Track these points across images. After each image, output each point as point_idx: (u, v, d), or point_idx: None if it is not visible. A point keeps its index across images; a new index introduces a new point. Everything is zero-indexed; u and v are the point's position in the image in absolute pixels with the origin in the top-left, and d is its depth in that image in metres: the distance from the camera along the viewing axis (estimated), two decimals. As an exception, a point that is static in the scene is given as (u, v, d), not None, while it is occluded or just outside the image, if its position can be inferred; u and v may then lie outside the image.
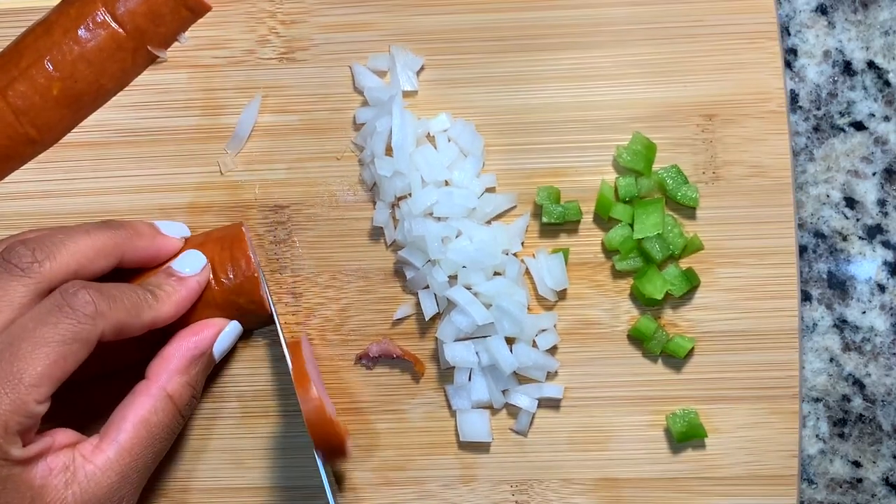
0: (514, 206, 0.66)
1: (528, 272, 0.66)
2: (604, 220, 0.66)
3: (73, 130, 0.67)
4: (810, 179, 0.67)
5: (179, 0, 0.66)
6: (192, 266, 0.62)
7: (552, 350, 0.66)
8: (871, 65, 0.67)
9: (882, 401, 0.67)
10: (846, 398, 0.67)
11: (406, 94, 0.66)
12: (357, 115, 0.67)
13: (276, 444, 0.66)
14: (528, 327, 0.64)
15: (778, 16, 0.66)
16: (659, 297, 0.64)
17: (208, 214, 0.67)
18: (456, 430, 0.66)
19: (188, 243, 0.64)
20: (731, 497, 0.65)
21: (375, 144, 0.65)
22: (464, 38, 0.67)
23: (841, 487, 0.67)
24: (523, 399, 0.65)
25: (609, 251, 0.66)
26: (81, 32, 0.65)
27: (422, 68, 0.67)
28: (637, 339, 0.66)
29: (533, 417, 0.66)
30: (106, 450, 0.57)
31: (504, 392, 0.66)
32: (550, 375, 0.66)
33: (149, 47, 0.66)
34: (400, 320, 0.67)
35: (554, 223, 0.66)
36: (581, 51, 0.66)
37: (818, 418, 0.67)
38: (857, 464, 0.67)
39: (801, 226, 0.67)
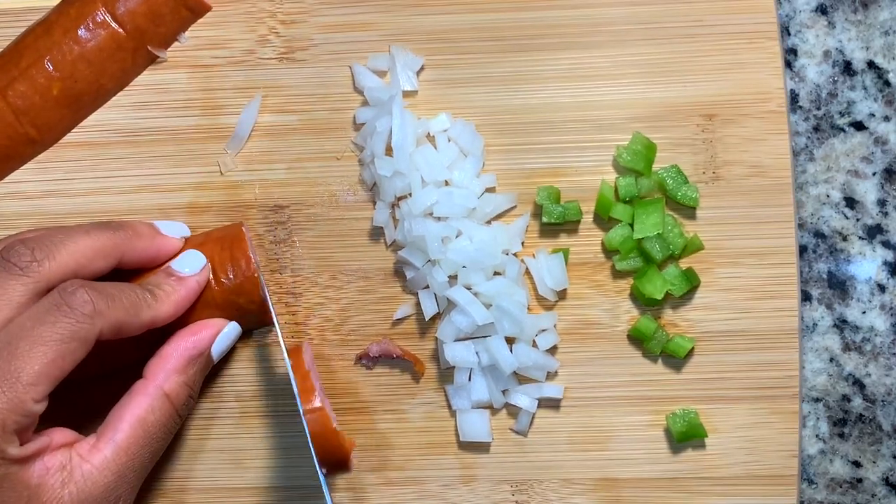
0: (514, 206, 0.66)
1: (528, 272, 0.66)
2: (604, 220, 0.66)
3: (73, 130, 0.67)
4: (810, 179, 0.67)
5: (179, 0, 0.66)
6: (191, 266, 0.62)
7: (552, 350, 0.66)
8: (871, 65, 0.67)
9: (882, 401, 0.67)
10: (846, 398, 0.67)
11: (406, 94, 0.66)
12: (357, 115, 0.67)
13: (275, 444, 0.66)
14: (528, 327, 0.64)
15: (778, 16, 0.66)
16: (659, 297, 0.64)
17: (208, 214, 0.67)
18: (456, 430, 0.66)
19: (188, 243, 0.64)
20: (731, 497, 0.65)
21: (375, 144, 0.65)
22: (463, 38, 0.67)
23: (841, 487, 0.67)
24: (523, 399, 0.65)
25: (609, 251, 0.66)
26: (81, 32, 0.65)
27: (422, 68, 0.67)
28: (637, 339, 0.66)
29: (533, 417, 0.66)
30: (103, 449, 0.57)
31: (504, 392, 0.65)
32: (550, 375, 0.66)
33: (149, 47, 0.66)
34: (400, 320, 0.67)
35: (554, 223, 0.66)
36: (580, 51, 0.66)
37: (818, 418, 0.67)
38: (857, 464, 0.67)
39: (801, 226, 0.67)
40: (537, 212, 0.66)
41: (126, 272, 0.62)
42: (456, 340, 0.65)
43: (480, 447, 0.66)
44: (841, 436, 0.67)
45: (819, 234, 0.67)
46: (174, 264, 0.62)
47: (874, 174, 0.67)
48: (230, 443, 0.67)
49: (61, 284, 0.56)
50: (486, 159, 0.66)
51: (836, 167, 0.67)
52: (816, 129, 0.68)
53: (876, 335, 0.67)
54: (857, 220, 0.67)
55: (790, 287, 0.65)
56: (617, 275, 0.66)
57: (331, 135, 0.67)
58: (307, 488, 0.66)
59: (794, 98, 0.68)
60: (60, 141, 0.67)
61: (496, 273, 0.65)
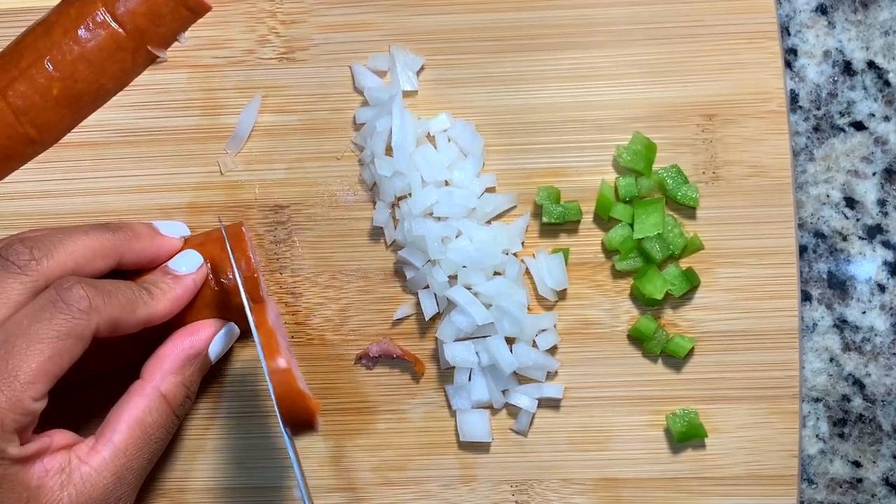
0: (514, 206, 0.66)
1: (528, 272, 0.66)
2: (604, 220, 0.66)
3: (73, 130, 0.67)
4: (810, 179, 0.67)
5: (179, 0, 0.66)
6: (188, 265, 0.62)
7: (552, 350, 0.66)
8: (871, 65, 0.67)
9: (882, 401, 0.67)
10: (846, 398, 0.67)
11: (406, 94, 0.66)
12: (357, 115, 0.67)
13: (274, 444, 0.66)
14: (528, 327, 0.64)
15: (778, 16, 0.66)
16: (659, 297, 0.64)
17: (208, 214, 0.67)
18: (456, 430, 0.66)
19: (188, 243, 0.64)
20: (731, 497, 0.65)
21: (375, 144, 0.65)
22: (463, 38, 0.67)
23: (841, 487, 0.67)
24: (523, 399, 0.65)
25: (609, 251, 0.66)
26: (81, 32, 0.65)
27: (422, 68, 0.67)
28: (637, 339, 0.66)
29: (533, 417, 0.66)
30: (101, 451, 0.57)
31: (504, 392, 0.65)
32: (550, 375, 0.66)
33: (149, 47, 0.66)
34: (400, 320, 0.67)
35: (554, 223, 0.66)
36: (580, 51, 0.66)
37: (818, 418, 0.67)
38: (857, 464, 0.67)
39: (801, 226, 0.67)
40: (537, 212, 0.66)
41: (126, 273, 0.62)
42: (456, 340, 0.65)
43: (480, 447, 0.66)
44: (841, 436, 0.67)
45: (819, 234, 0.67)
46: (171, 263, 0.62)
47: (874, 174, 0.67)
48: (230, 443, 0.66)
49: (57, 281, 0.56)
50: (486, 159, 0.66)
51: (836, 167, 0.67)
52: (816, 129, 0.68)
53: (876, 335, 0.67)
54: (857, 220, 0.67)
55: (790, 287, 0.65)
56: (617, 275, 0.66)
57: (331, 135, 0.67)
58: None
59: (794, 98, 0.68)
60: (60, 141, 0.67)
61: (496, 273, 0.65)
